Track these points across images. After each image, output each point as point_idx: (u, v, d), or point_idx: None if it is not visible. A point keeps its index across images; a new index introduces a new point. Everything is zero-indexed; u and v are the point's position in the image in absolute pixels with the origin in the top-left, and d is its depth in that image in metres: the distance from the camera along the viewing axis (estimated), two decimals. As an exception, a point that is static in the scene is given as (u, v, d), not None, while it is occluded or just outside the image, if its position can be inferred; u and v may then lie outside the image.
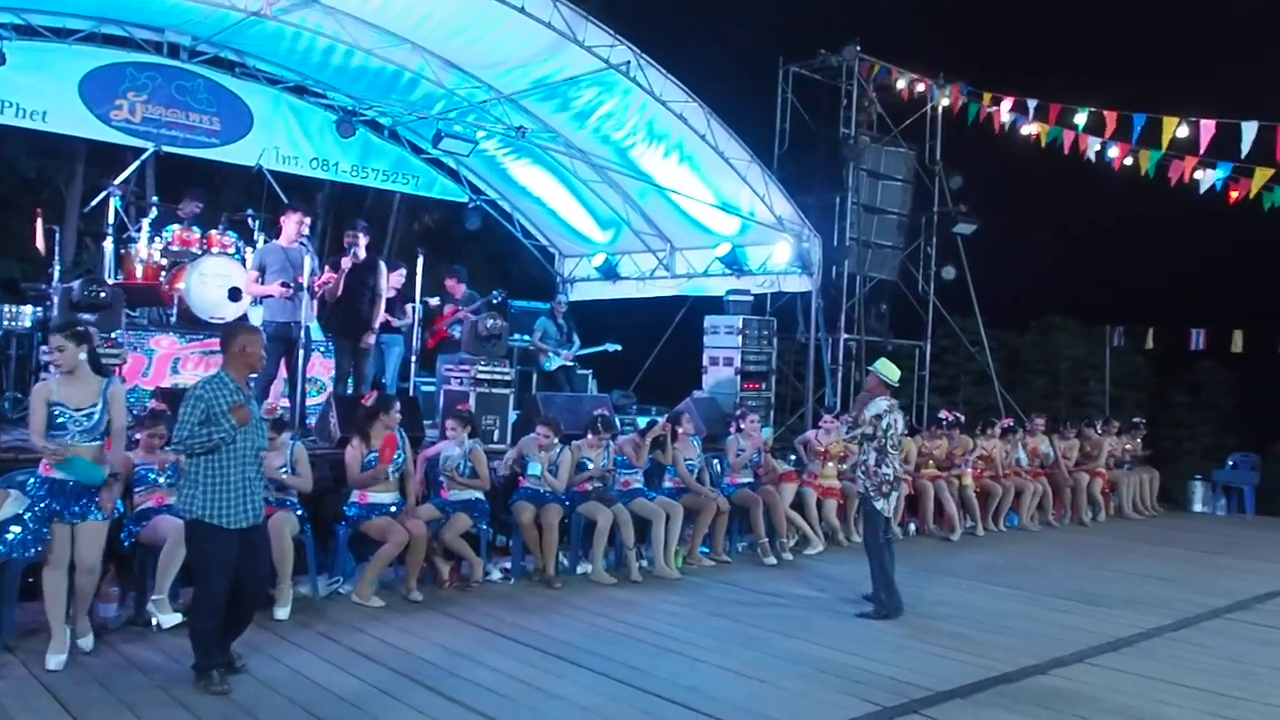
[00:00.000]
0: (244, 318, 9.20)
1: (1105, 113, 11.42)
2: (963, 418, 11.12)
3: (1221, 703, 5.34)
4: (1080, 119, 11.68)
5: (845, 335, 13.10)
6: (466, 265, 12.32)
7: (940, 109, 14.21)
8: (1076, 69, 17.64)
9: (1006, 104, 12.55)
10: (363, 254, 8.58)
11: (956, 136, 14.34)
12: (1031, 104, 12.27)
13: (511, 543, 7.76)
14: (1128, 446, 12.95)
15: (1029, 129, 12.33)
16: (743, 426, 9.05)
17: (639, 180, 11.94)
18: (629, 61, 10.12)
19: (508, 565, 7.66)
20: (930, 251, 14.45)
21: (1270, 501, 13.79)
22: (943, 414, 10.92)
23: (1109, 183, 12.15)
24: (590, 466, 7.86)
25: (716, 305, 12.29)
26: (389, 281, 9.10)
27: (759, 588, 7.69)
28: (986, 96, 12.87)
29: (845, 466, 9.74)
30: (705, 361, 11.86)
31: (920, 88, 13.76)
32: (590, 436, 7.95)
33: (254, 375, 5.24)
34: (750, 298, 12.09)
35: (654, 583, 7.65)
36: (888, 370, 7.13)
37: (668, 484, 8.50)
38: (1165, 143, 10.85)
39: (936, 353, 14.98)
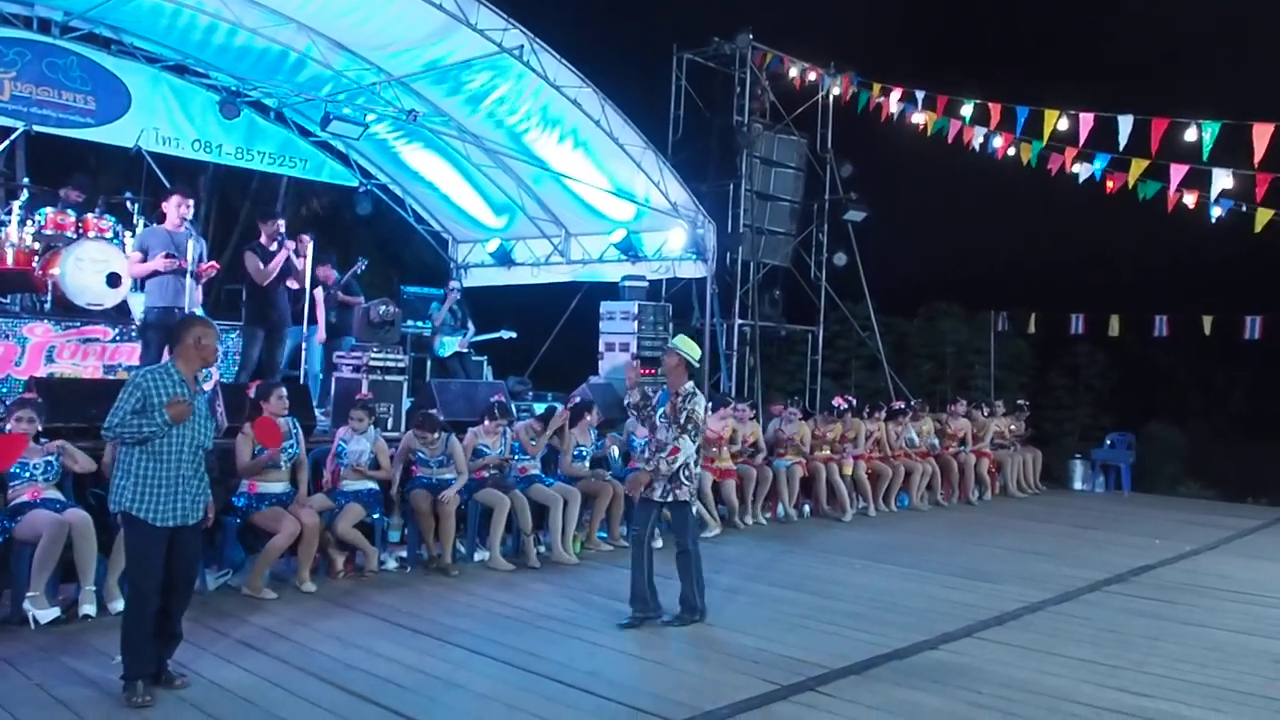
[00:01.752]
0: (123, 304, 8.86)
1: (990, 105, 11.80)
2: (855, 401, 11.39)
3: (1101, 671, 5.59)
4: (966, 110, 12.05)
5: (740, 321, 13.29)
6: (357, 251, 12.09)
7: (831, 98, 14.49)
8: (963, 61, 18.20)
9: (895, 94, 12.88)
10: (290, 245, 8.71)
11: (847, 125, 14.69)
12: (920, 94, 12.61)
13: (407, 531, 7.66)
14: (1012, 428, 13.46)
15: (917, 119, 12.68)
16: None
17: (533, 166, 11.86)
18: (522, 46, 10.03)
19: (403, 554, 7.56)
20: (822, 238, 14.74)
21: (1145, 479, 14.56)
22: (836, 400, 11.16)
23: (993, 173, 12.59)
24: (487, 453, 7.82)
25: (612, 291, 12.31)
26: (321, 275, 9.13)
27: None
28: (876, 87, 13.18)
29: (737, 448, 9.94)
30: (601, 347, 11.87)
31: (812, 77, 14.00)
32: (487, 423, 7.90)
33: (205, 369, 4.97)
34: (646, 284, 12.14)
35: (552, 568, 7.65)
36: (690, 348, 6.30)
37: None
38: (1046, 134, 11.28)
39: (829, 338, 15.31)
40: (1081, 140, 11.00)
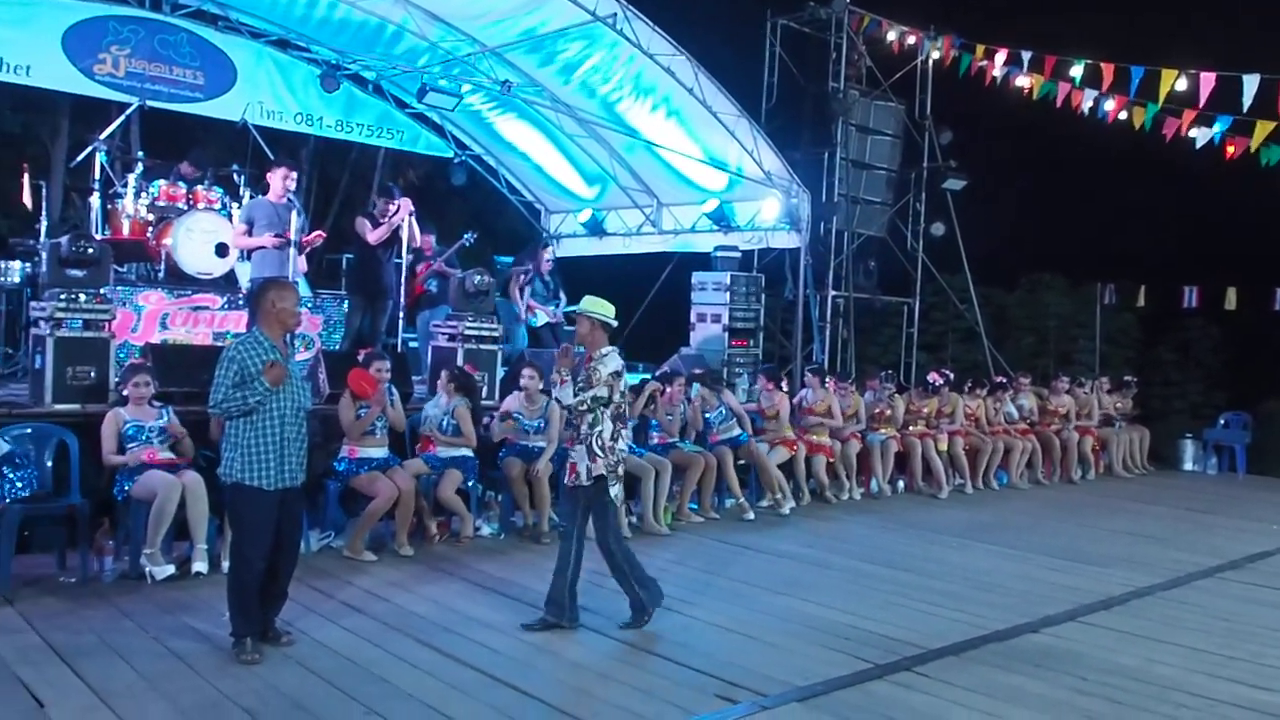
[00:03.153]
0: (230, 273, 9.13)
1: (1102, 65, 11.31)
2: (952, 376, 11.14)
3: (1214, 661, 5.36)
4: (1076, 71, 11.58)
5: (833, 292, 13.09)
6: (452, 221, 12.23)
7: (931, 62, 14.09)
8: (1072, 19, 17.47)
9: (1000, 56, 12.45)
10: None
11: (947, 90, 14.24)
12: (1026, 56, 12.17)
13: (501, 498, 7.77)
14: (1118, 405, 13.01)
15: (1022, 82, 12.25)
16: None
17: (626, 135, 11.82)
18: (615, 14, 9.97)
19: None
20: (919, 207, 14.39)
21: (1261, 461, 13.85)
22: (932, 376, 10.92)
23: (1102, 138, 12.09)
24: (580, 423, 7.86)
25: (704, 262, 12.23)
26: (421, 244, 9.37)
27: (747, 543, 7.74)
28: (979, 49, 12.76)
29: (837, 422, 9.83)
30: (693, 318, 11.82)
31: (911, 40, 13.64)
32: (580, 393, 7.94)
33: (291, 332, 5.03)
34: (738, 254, 12.04)
35: (643, 539, 7.67)
36: (599, 307, 5.52)
37: (655, 440, 8.51)
38: (1163, 96, 10.77)
39: (925, 310, 14.99)
40: (1201, 102, 10.47)
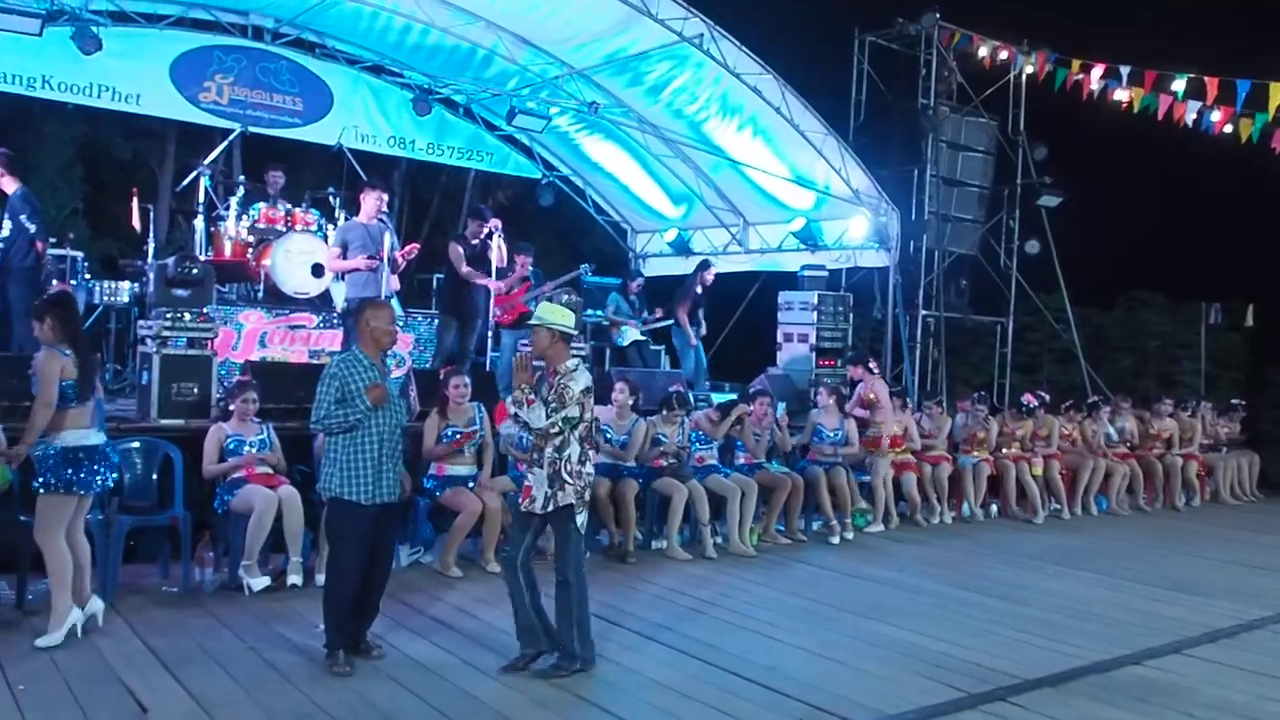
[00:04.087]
0: (326, 293, 9.38)
1: (1206, 79, 10.95)
2: (1047, 397, 10.85)
3: (1333, 700, 5.08)
4: (1178, 85, 11.22)
5: (924, 312, 12.87)
6: (539, 241, 12.36)
7: (1024, 77, 13.82)
8: (1172, 31, 16.95)
9: (1097, 71, 12.15)
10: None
11: (1041, 105, 13.95)
12: (1124, 70, 11.85)
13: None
14: (1225, 429, 12.50)
15: (1121, 95, 11.92)
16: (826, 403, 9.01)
17: (712, 155, 11.84)
18: (702, 34, 10.02)
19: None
20: (1013, 225, 14.10)
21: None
22: (1026, 398, 10.63)
23: (1205, 152, 11.68)
24: (665, 442, 7.86)
25: (791, 281, 12.15)
26: (518, 265, 9.53)
27: (835, 567, 7.63)
28: (1075, 63, 12.47)
29: (917, 444, 9.65)
30: (779, 338, 11.74)
31: (1003, 55, 13.40)
32: (665, 412, 7.94)
33: (390, 352, 5.08)
34: (825, 273, 11.93)
35: (729, 559, 7.63)
36: (556, 315, 5.01)
37: (742, 461, 8.46)
38: (1273, 108, 10.36)
39: (1019, 329, 14.64)
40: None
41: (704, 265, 11.34)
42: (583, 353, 9.08)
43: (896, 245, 11.77)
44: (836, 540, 8.48)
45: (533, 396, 4.87)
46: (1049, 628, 6.16)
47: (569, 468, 4.89)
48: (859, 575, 7.39)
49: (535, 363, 5.17)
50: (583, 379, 4.96)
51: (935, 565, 7.84)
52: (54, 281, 8.44)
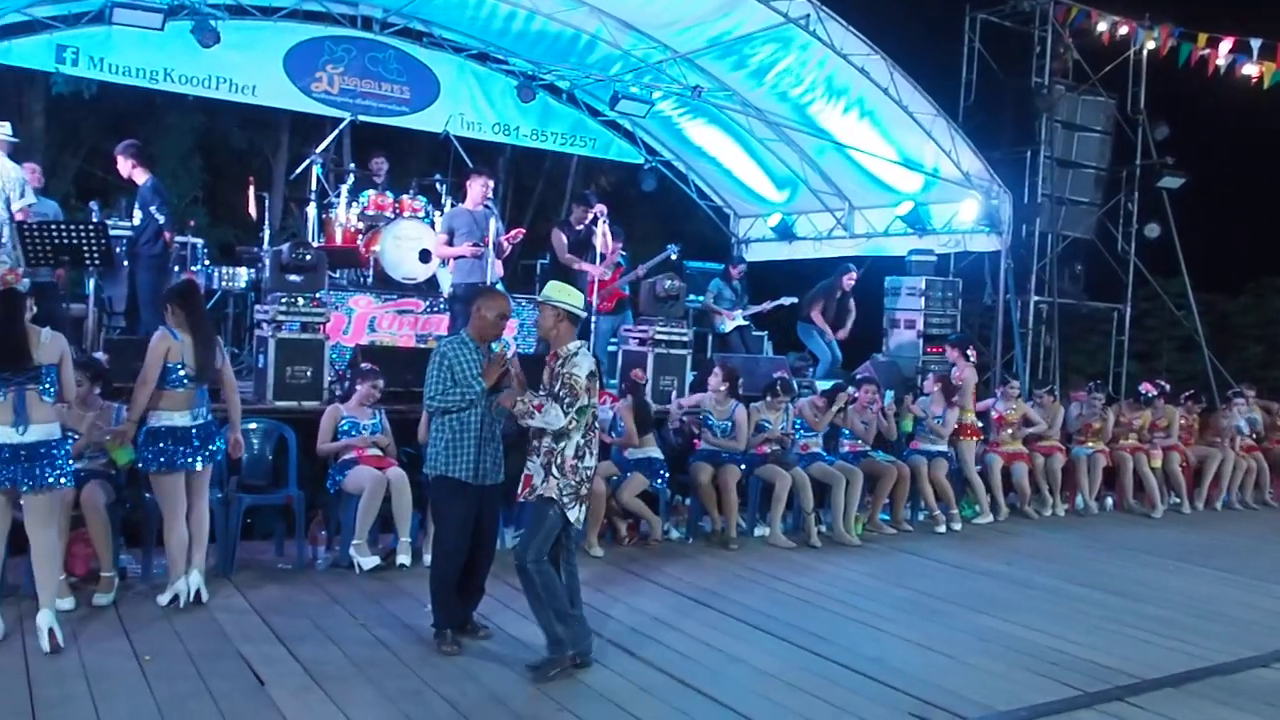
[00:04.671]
0: (433, 278, 9.54)
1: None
2: (1167, 387, 10.41)
3: None
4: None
5: (1036, 298, 12.46)
6: (640, 227, 12.36)
7: (1145, 53, 13.23)
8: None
9: (1225, 45, 11.55)
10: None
11: (1163, 82, 13.34)
12: (1255, 44, 11.24)
13: (689, 503, 7.79)
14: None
15: (1249, 70, 11.32)
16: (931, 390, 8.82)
17: (817, 138, 11.65)
18: (808, 15, 9.84)
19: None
20: (1131, 208, 13.53)
21: None
22: (1144, 387, 10.22)
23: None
24: (769, 429, 7.78)
25: (898, 266, 11.90)
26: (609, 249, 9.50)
27: (942, 558, 7.46)
28: (1201, 37, 11.88)
29: (1030, 431, 9.37)
30: (886, 324, 11.52)
31: (1123, 31, 12.82)
32: (769, 399, 7.86)
33: (499, 338, 5.04)
34: (934, 258, 11.65)
35: (833, 549, 7.53)
36: (566, 295, 4.75)
37: (846, 448, 8.33)
38: None
39: (1137, 316, 14.07)
40: None
41: (844, 270, 11.02)
42: (685, 338, 9.03)
43: (1008, 229, 11.41)
44: (943, 531, 8.30)
45: (540, 400, 4.59)
46: (1169, 626, 5.93)
47: (559, 461, 4.63)
48: (967, 567, 7.21)
49: (499, 345, 4.96)
50: (586, 363, 4.67)
51: (1047, 559, 7.61)
52: (175, 268, 8.78)
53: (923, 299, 11.12)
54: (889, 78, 10.39)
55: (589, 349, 4.85)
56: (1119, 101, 13.34)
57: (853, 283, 10.95)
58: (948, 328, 11.21)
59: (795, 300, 11.57)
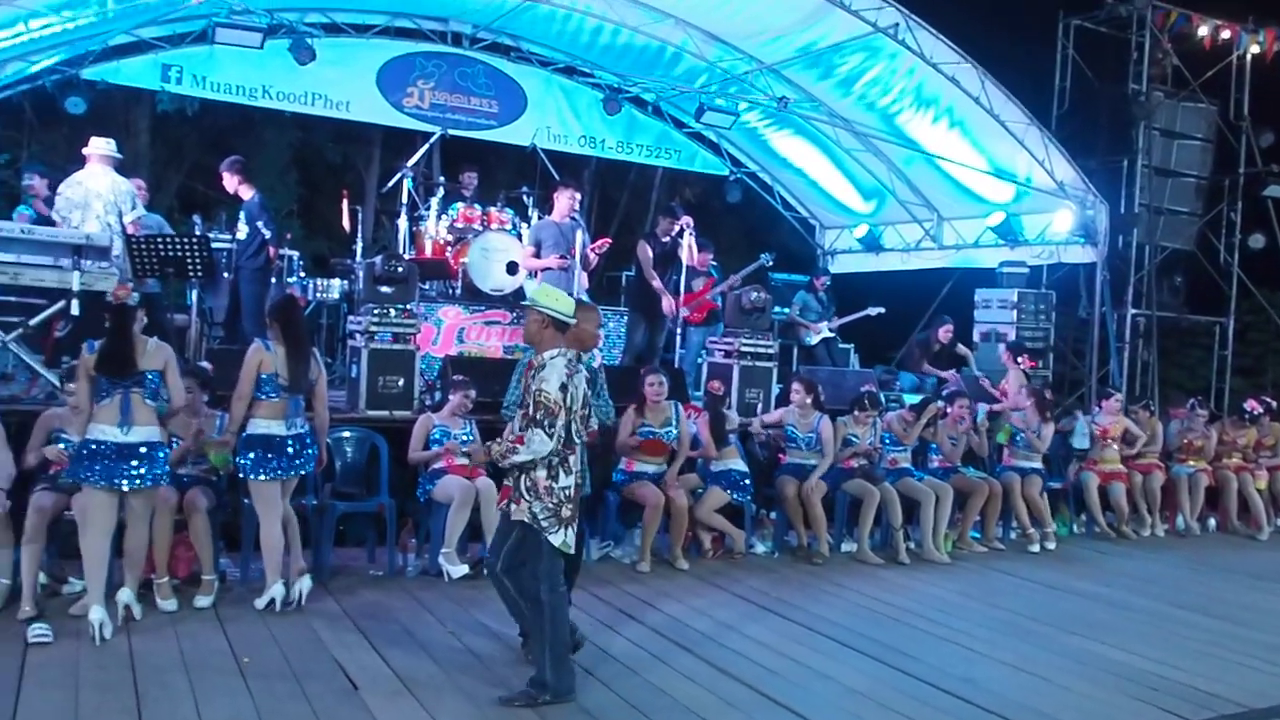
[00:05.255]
0: (520, 290, 9.65)
1: None
2: (1274, 404, 9.99)
3: None
4: None
5: (1133, 310, 12.12)
6: (726, 238, 12.33)
7: (1249, 57, 12.78)
8: None
9: (1335, 48, 11.10)
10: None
11: (1268, 87, 12.88)
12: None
13: (775, 516, 7.73)
14: None
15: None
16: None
17: (905, 148, 11.50)
18: (897, 24, 9.74)
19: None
20: (1234, 217, 13.12)
21: None
22: (1249, 404, 9.82)
23: None
24: (856, 443, 7.68)
25: (988, 278, 11.66)
26: (697, 262, 9.46)
27: (1035, 577, 7.27)
28: (1310, 41, 11.44)
29: (1134, 451, 9.09)
30: (976, 337, 11.30)
31: (1225, 35, 12.44)
32: (856, 413, 7.76)
33: (588, 350, 5.08)
34: (1026, 270, 11.39)
35: (922, 566, 7.39)
36: (553, 299, 4.55)
37: (935, 464, 8.18)
38: None
39: (1240, 330, 13.61)
40: None
41: (941, 323, 10.76)
42: (771, 351, 8.96)
43: (1104, 240, 11.10)
44: (1037, 550, 8.09)
45: (521, 432, 4.34)
46: (1275, 652, 5.68)
47: (529, 483, 4.38)
48: (1061, 588, 7.01)
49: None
50: (555, 376, 4.36)
51: (1147, 581, 7.36)
52: (273, 280, 9.05)
53: (1014, 312, 10.88)
54: (980, 86, 10.22)
55: (568, 357, 4.46)
56: (1221, 108, 12.93)
57: (950, 335, 10.68)
58: (1040, 341, 10.95)
59: (882, 310, 11.43)
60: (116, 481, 4.94)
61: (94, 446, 4.94)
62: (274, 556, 5.49)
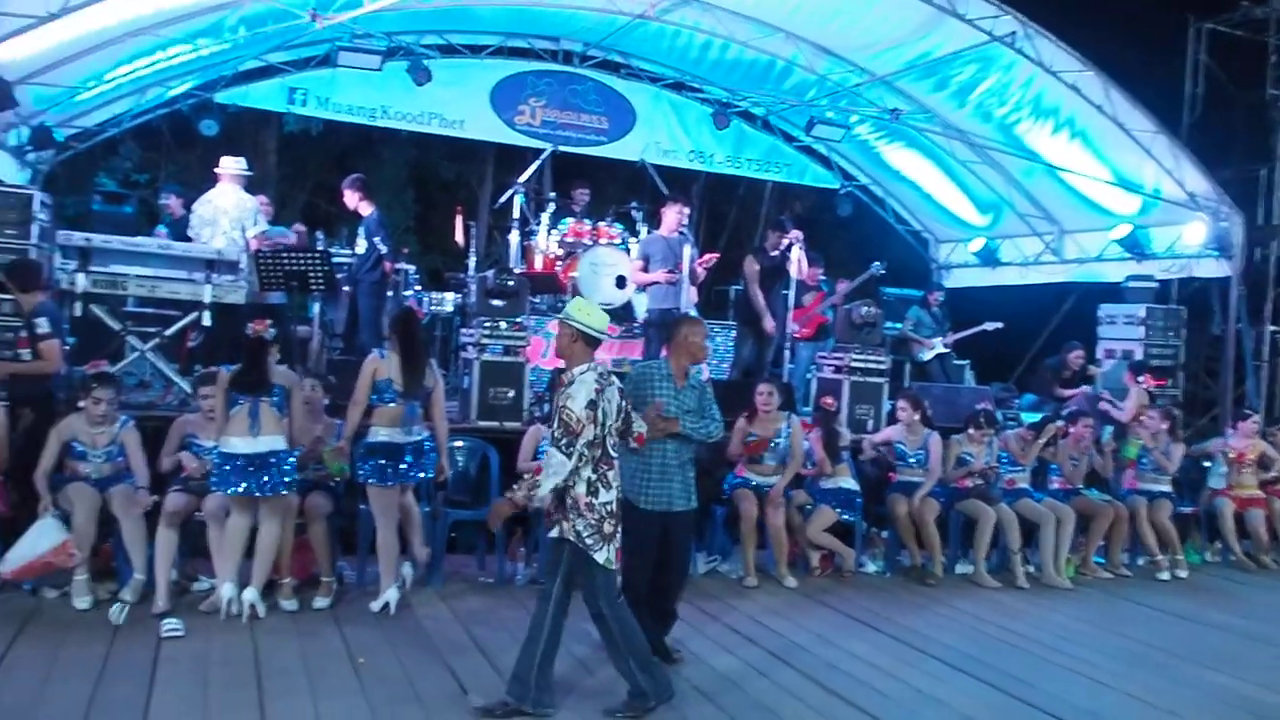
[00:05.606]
0: (628, 304, 9.70)
1: None
2: None
3: None
4: None
5: (1272, 327, 11.51)
6: (836, 252, 12.18)
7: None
8: None
9: None
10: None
11: None
12: None
13: (887, 535, 7.56)
14: None
15: None
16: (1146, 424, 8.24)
17: (1024, 159, 11.17)
18: (1015, 32, 9.46)
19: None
20: (1386, 228, 12.30)
21: None
22: None
23: None
24: (971, 462, 7.45)
25: (1113, 293, 11.20)
26: (806, 276, 9.39)
27: (1165, 607, 6.92)
28: None
29: (1270, 475, 8.60)
30: (1099, 354, 10.86)
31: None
32: (971, 431, 7.53)
33: (695, 364, 5.12)
34: (1154, 284, 10.90)
35: (1042, 591, 7.12)
36: (586, 315, 4.46)
37: (1056, 485, 7.88)
38: None
39: (1391, 347, 12.73)
40: None
41: (1070, 348, 10.32)
42: (882, 366, 8.77)
43: (1240, 253, 10.55)
44: (1166, 578, 7.70)
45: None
46: None
47: (570, 501, 4.31)
48: (1194, 618, 6.66)
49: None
50: (584, 394, 4.27)
51: (1284, 612, 6.95)
52: (389, 293, 9.29)
53: (1142, 328, 10.41)
54: (1103, 94, 9.86)
55: (598, 372, 4.39)
56: (1369, 112, 12.20)
57: (1081, 361, 10.30)
58: (1170, 359, 10.46)
59: (999, 326, 11.10)
60: (251, 490, 5.28)
61: (228, 458, 5.30)
62: (389, 561, 5.62)
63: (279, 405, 5.45)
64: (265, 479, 5.30)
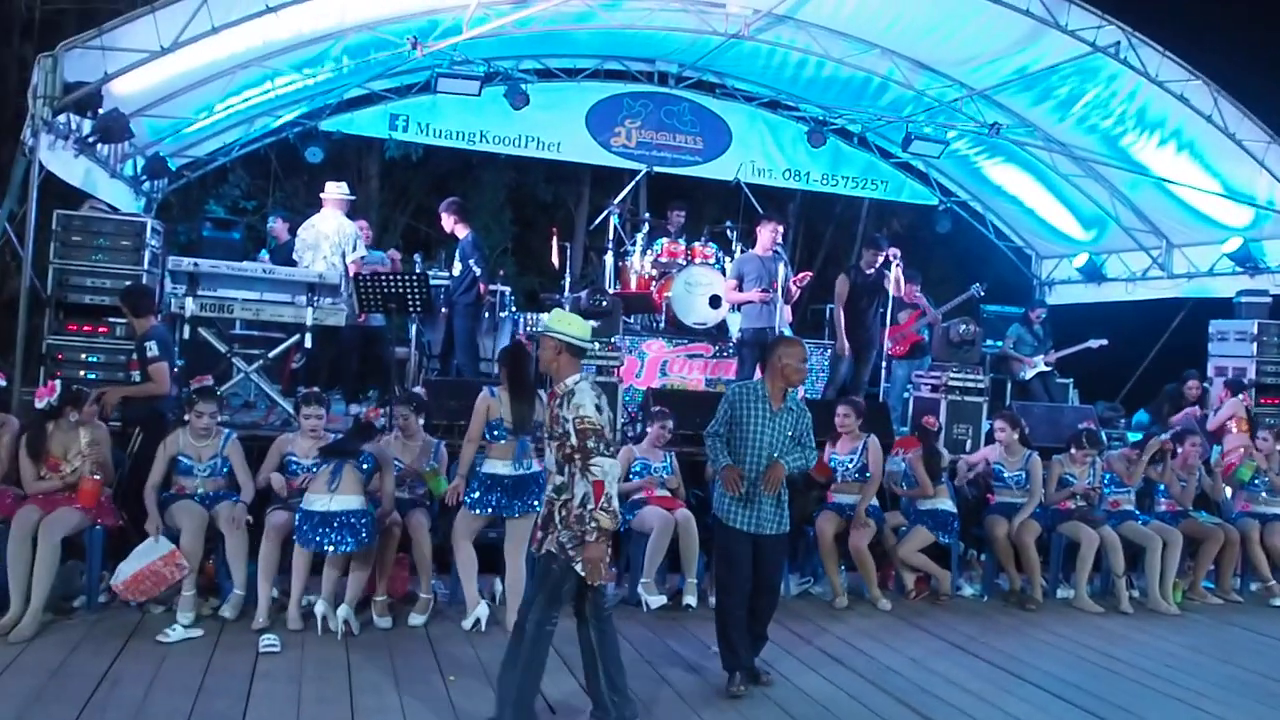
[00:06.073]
0: (722, 323, 9.72)
1: None
2: None
3: None
4: None
5: (1399, 344, 10.86)
6: (936, 270, 12.00)
7: None
8: None
9: None
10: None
11: None
12: None
13: (984, 558, 7.40)
14: None
15: None
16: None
17: (1130, 172, 10.84)
18: (1118, 42, 9.22)
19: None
20: None
21: None
22: None
23: None
24: (1073, 483, 7.26)
25: (1224, 308, 10.78)
26: (904, 294, 9.32)
27: (1279, 635, 6.63)
28: None
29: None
30: (1210, 372, 10.45)
31: None
32: (1074, 451, 7.33)
33: (792, 386, 5.11)
34: (1268, 299, 10.43)
35: (1147, 616, 6.89)
36: (569, 325, 4.35)
37: (1163, 507, 7.62)
38: None
39: None
40: None
41: (1187, 377, 10.02)
42: (981, 385, 8.61)
43: (1363, 267, 10.07)
44: (1279, 604, 7.37)
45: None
46: None
47: (562, 513, 4.17)
48: (1313, 649, 6.36)
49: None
50: (589, 399, 4.17)
51: None
52: (485, 314, 9.50)
53: (1254, 344, 10.00)
54: (1212, 104, 9.53)
55: (589, 380, 4.32)
56: None
57: (1197, 392, 9.94)
58: (1281, 377, 10.01)
59: (1104, 343, 10.77)
60: (323, 548, 5.48)
61: (306, 515, 5.51)
62: (471, 579, 5.78)
63: (364, 471, 5.65)
64: (342, 537, 5.45)
